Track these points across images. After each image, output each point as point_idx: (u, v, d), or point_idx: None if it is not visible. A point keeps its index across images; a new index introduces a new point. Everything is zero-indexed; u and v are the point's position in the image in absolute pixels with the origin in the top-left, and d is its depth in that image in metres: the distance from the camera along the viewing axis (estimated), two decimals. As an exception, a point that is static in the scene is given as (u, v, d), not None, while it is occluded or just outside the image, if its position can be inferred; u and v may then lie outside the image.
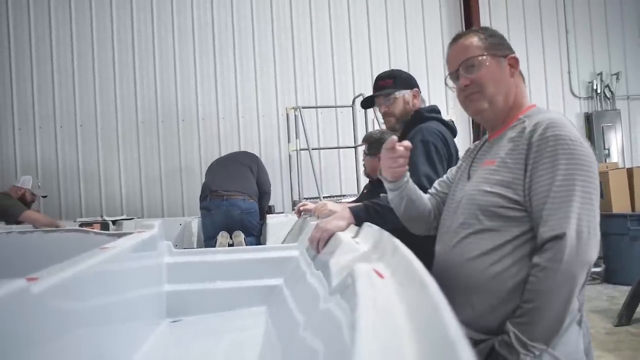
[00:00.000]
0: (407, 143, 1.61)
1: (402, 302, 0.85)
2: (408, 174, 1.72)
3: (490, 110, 1.60)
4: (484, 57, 1.56)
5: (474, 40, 1.60)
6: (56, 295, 1.07)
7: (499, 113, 1.59)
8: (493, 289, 1.37)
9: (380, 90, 2.45)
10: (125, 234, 2.29)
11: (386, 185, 1.75)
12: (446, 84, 1.70)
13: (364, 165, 3.31)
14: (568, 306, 1.27)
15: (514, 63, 1.57)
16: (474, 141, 6.53)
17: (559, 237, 1.27)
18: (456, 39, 1.65)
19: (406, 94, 2.42)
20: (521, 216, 1.39)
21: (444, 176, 1.83)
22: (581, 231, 1.27)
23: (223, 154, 5.80)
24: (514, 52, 1.58)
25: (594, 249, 1.28)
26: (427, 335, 0.67)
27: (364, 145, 3.33)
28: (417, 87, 2.47)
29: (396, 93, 2.41)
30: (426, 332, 0.68)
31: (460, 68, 1.58)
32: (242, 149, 6.52)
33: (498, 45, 1.59)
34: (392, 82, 2.44)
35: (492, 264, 1.39)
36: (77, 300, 1.23)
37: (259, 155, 6.71)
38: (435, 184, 1.83)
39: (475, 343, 1.36)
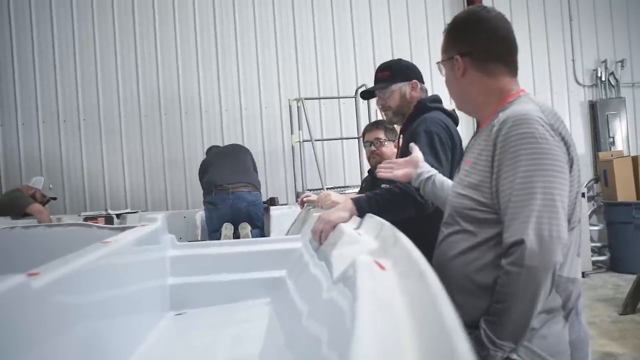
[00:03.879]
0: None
1: (402, 294, 0.85)
2: (422, 173, 1.82)
3: (465, 109, 1.63)
4: (442, 62, 1.60)
5: (443, 40, 1.60)
6: (57, 290, 1.07)
7: (472, 111, 1.61)
8: (471, 287, 1.39)
9: (377, 84, 2.43)
10: (128, 228, 2.29)
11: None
12: None
13: (376, 154, 3.07)
14: (533, 308, 1.25)
15: (461, 62, 1.51)
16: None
17: (519, 243, 1.25)
18: None
19: (403, 86, 2.38)
20: (492, 218, 1.38)
21: None
22: (542, 235, 1.24)
23: (226, 146, 5.78)
24: (466, 49, 1.50)
25: (557, 252, 1.25)
26: (426, 326, 0.67)
27: (379, 133, 3.08)
28: (418, 77, 2.42)
29: (392, 86, 2.37)
30: (425, 323, 0.68)
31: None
32: (245, 141, 6.52)
33: (451, 46, 1.55)
34: (389, 74, 2.40)
35: (469, 263, 1.40)
36: (79, 295, 1.24)
37: (262, 147, 6.77)
38: None
39: None
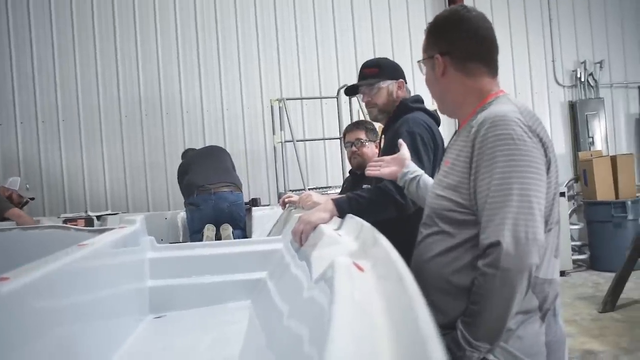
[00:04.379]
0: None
1: (380, 296, 0.84)
2: (407, 173, 1.84)
3: (444, 109, 1.63)
4: (423, 61, 1.60)
5: (424, 39, 1.59)
6: (29, 295, 1.04)
7: (451, 111, 1.60)
8: (449, 288, 1.38)
9: (365, 79, 2.42)
10: (106, 230, 2.26)
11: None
12: None
13: (357, 155, 3.04)
14: (508, 310, 1.25)
15: (441, 62, 1.50)
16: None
17: (495, 245, 1.25)
18: None
19: (390, 84, 2.39)
20: (470, 220, 1.37)
21: None
22: (518, 237, 1.24)
23: (207, 147, 5.73)
24: (446, 49, 1.50)
25: (533, 254, 1.24)
26: (402, 330, 0.66)
27: (360, 133, 3.05)
28: (404, 77, 2.43)
29: (380, 83, 2.37)
30: (401, 327, 0.67)
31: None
32: (227, 142, 6.51)
33: (431, 45, 1.55)
34: (377, 71, 2.40)
35: (447, 264, 1.39)
36: (52, 299, 1.21)
37: (244, 147, 6.73)
38: None
39: None
